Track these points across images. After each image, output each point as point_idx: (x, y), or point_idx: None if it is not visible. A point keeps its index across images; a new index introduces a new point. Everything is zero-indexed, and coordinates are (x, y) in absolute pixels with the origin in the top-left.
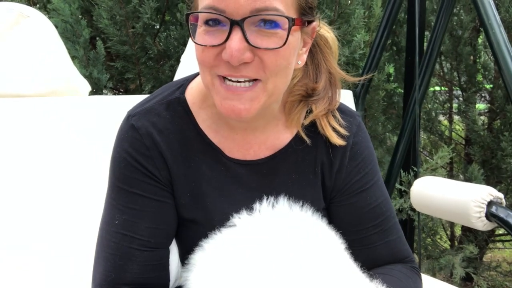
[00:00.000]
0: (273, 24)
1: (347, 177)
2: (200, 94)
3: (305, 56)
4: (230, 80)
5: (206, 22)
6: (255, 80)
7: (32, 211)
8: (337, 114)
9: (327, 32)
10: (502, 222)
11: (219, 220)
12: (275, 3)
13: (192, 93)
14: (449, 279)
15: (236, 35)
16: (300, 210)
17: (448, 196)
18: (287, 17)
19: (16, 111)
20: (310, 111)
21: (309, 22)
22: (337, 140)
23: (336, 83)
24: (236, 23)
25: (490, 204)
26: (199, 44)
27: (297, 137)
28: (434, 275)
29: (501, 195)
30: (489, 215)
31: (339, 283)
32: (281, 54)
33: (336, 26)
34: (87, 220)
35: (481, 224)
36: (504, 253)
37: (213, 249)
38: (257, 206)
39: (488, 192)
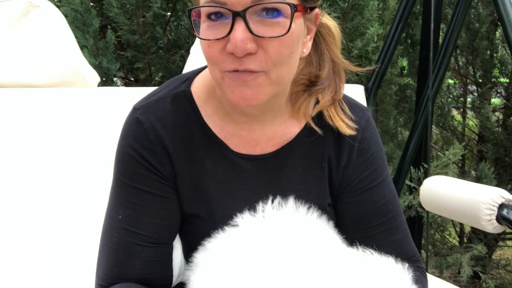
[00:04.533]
0: (275, 12)
1: (354, 173)
2: (206, 87)
3: (310, 44)
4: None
5: (209, 16)
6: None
7: (39, 202)
8: (346, 108)
9: (329, 20)
10: None
11: (222, 216)
12: None
13: (198, 87)
14: (456, 276)
15: (239, 26)
16: (306, 211)
17: (458, 197)
18: (288, 4)
19: (25, 101)
20: (316, 103)
21: (311, 9)
22: (346, 130)
23: (340, 72)
24: (238, 14)
25: (501, 206)
26: (203, 39)
27: (305, 129)
28: (441, 273)
29: None
30: (500, 218)
31: (341, 284)
32: (285, 42)
33: (349, 18)
34: (94, 213)
35: (491, 227)
36: None
37: (215, 249)
38: (260, 206)
39: (499, 194)
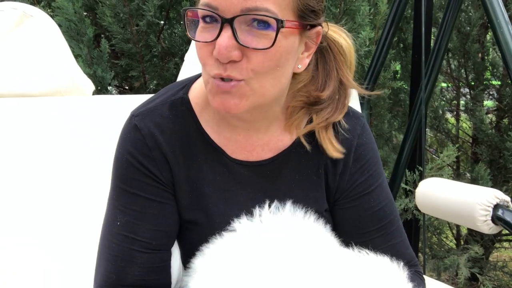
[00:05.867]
0: (265, 24)
1: (350, 179)
2: (203, 94)
3: (307, 61)
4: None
5: (203, 19)
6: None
7: (35, 211)
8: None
9: (341, 38)
10: (508, 226)
11: (220, 222)
12: (266, 4)
13: (195, 93)
14: (454, 278)
15: (226, 33)
16: (303, 215)
17: (453, 198)
18: (275, 19)
19: (20, 111)
20: (310, 121)
21: (312, 26)
22: (333, 153)
23: (345, 94)
24: (226, 21)
25: (496, 207)
26: (195, 40)
27: (297, 141)
28: (439, 275)
29: (507, 198)
30: (495, 219)
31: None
32: (269, 55)
33: (341, 24)
34: (92, 220)
35: (487, 227)
36: (510, 253)
37: (212, 254)
38: (256, 211)
39: (494, 195)
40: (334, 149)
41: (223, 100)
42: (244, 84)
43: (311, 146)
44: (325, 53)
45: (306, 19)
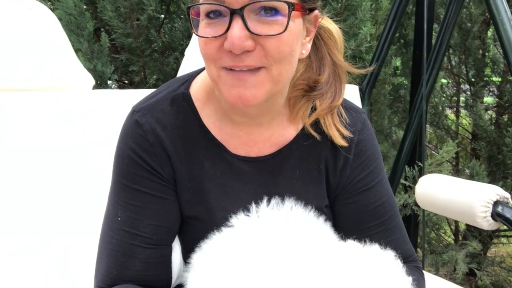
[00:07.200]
0: (274, 11)
1: (351, 175)
2: (204, 89)
3: (309, 46)
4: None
5: (207, 15)
6: (260, 68)
7: (35, 207)
8: (342, 111)
9: (330, 24)
10: (508, 222)
11: (221, 218)
12: None
13: (196, 89)
14: (452, 273)
15: (237, 24)
16: (302, 210)
17: (453, 195)
18: (286, 2)
19: (19, 105)
20: (314, 109)
21: (311, 10)
22: (340, 141)
23: (341, 76)
24: (236, 12)
25: (496, 203)
26: (201, 37)
27: (302, 133)
28: (437, 270)
29: (507, 195)
30: (495, 215)
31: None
32: (284, 40)
33: (342, 19)
34: (92, 216)
35: (487, 224)
36: (508, 248)
37: (211, 250)
38: (253, 207)
39: (494, 192)
40: (340, 135)
41: (239, 93)
42: (264, 71)
43: (320, 135)
44: (315, 40)
45: (307, 2)
